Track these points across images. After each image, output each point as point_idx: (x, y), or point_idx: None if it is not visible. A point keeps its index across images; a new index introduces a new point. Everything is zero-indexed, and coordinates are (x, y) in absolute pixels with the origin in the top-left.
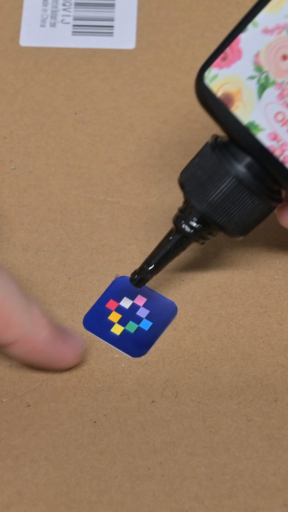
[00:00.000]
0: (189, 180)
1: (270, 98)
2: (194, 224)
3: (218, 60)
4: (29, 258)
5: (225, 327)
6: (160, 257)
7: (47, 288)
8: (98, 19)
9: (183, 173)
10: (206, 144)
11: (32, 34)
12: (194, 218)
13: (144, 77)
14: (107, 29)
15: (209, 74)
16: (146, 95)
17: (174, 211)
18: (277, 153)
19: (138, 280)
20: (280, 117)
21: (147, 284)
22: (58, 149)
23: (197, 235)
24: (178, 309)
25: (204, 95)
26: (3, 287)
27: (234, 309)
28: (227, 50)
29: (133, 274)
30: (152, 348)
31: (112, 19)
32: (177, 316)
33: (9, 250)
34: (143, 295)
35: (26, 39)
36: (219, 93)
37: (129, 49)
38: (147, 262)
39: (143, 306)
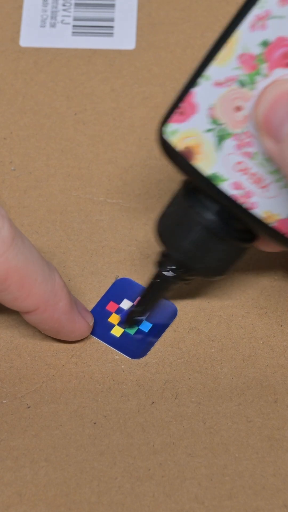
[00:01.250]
0: (164, 229)
1: (229, 149)
2: (175, 269)
3: (175, 115)
4: None
5: (225, 328)
6: (148, 299)
7: None
8: (98, 20)
9: (158, 222)
10: (177, 191)
11: (32, 34)
12: (173, 263)
13: (144, 77)
14: (107, 30)
15: (168, 129)
16: (146, 96)
17: None
18: (242, 201)
19: (133, 321)
20: (240, 166)
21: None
22: (58, 150)
23: (179, 279)
24: (178, 310)
25: (167, 149)
26: (27, 255)
27: (234, 310)
28: (183, 104)
29: (128, 315)
30: (152, 350)
31: (112, 20)
32: (177, 318)
33: None
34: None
35: (26, 39)
36: (179, 147)
37: (129, 50)
38: (137, 305)
39: None
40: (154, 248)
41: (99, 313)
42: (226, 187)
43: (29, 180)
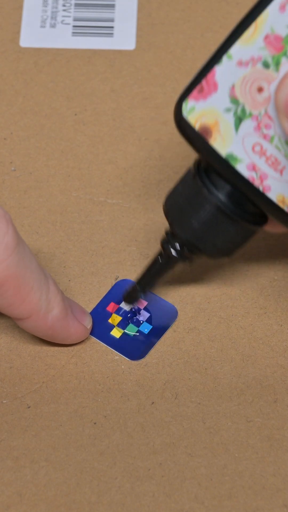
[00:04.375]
0: (172, 207)
1: (247, 130)
2: (180, 248)
3: (194, 92)
4: None
5: (225, 328)
6: (150, 277)
7: None
8: (98, 20)
9: (167, 200)
10: (188, 170)
11: (32, 34)
12: (180, 242)
13: (144, 78)
14: (107, 30)
15: (186, 106)
16: (146, 96)
17: None
18: (256, 183)
19: (132, 299)
20: (257, 148)
21: None
22: (58, 150)
23: (183, 258)
24: (178, 311)
25: (183, 126)
26: (26, 263)
27: (233, 310)
28: (203, 82)
29: (127, 293)
30: (152, 350)
31: (112, 20)
32: (177, 318)
33: None
34: (144, 298)
35: (26, 40)
36: (196, 126)
37: (129, 50)
38: (138, 282)
39: (144, 309)
40: (154, 248)
41: (100, 314)
42: (242, 168)
43: (29, 181)
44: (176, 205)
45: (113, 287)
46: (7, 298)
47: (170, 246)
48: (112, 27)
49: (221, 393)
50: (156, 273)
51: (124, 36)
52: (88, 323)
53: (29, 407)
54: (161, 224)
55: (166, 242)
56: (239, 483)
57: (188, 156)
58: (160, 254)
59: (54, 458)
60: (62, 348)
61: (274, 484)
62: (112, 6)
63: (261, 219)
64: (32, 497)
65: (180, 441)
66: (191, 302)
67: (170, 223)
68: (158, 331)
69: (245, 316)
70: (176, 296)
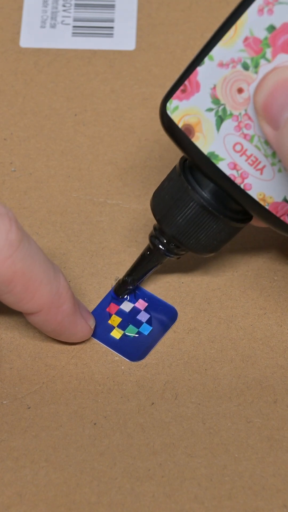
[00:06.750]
0: (159, 204)
1: (228, 130)
2: (167, 243)
3: (178, 92)
4: None
5: (225, 329)
6: (139, 271)
7: None
8: (98, 20)
9: (154, 197)
10: (174, 168)
11: (32, 35)
12: (166, 238)
13: (144, 78)
14: (107, 30)
15: (170, 106)
16: (146, 96)
17: None
18: (237, 181)
19: (122, 291)
20: (238, 147)
21: (147, 288)
22: (58, 151)
23: (171, 253)
24: (178, 312)
25: (168, 124)
26: (33, 258)
27: (233, 311)
28: (186, 82)
29: (117, 285)
30: (152, 351)
31: (112, 20)
32: (177, 319)
33: None
34: (144, 299)
35: (26, 40)
36: (180, 124)
37: (129, 50)
38: (128, 275)
39: (144, 310)
40: None
41: (100, 315)
42: (223, 166)
43: (29, 181)
44: (162, 201)
45: (113, 288)
46: (17, 294)
47: (157, 241)
48: (112, 27)
49: (221, 394)
50: (145, 266)
51: (124, 37)
52: (92, 323)
53: (29, 408)
54: None
55: (154, 237)
56: (239, 484)
57: None
58: (148, 248)
59: (54, 459)
60: (62, 349)
61: (274, 484)
62: (112, 6)
63: (245, 217)
64: (32, 498)
65: (180, 441)
66: (191, 302)
67: (156, 220)
68: (158, 333)
69: (245, 317)
70: (176, 297)
